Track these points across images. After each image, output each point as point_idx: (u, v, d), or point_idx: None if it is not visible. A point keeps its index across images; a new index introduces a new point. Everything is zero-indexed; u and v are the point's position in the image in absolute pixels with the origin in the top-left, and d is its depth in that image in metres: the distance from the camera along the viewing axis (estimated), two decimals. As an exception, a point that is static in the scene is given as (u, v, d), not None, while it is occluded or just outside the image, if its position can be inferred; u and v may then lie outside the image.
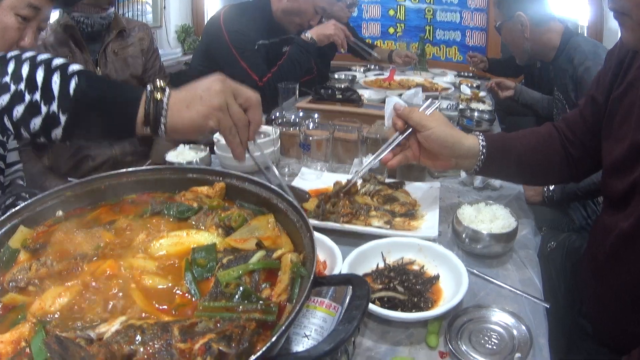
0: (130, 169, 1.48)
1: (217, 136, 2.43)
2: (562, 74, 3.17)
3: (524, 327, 1.38)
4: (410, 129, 1.77)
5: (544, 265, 2.12)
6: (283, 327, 0.88)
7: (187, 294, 1.09)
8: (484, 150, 1.80)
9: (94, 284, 1.10)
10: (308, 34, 3.63)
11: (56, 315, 1.03)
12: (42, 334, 0.96)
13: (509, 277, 1.65)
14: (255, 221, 1.28)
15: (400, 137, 1.79)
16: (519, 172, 1.93)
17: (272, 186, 1.34)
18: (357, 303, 0.97)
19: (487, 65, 4.76)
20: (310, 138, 2.27)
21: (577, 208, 2.92)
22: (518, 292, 1.56)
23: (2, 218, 1.27)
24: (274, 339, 0.85)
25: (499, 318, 1.42)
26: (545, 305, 1.52)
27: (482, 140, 1.82)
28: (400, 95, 2.89)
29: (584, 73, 2.85)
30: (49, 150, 2.97)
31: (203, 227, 1.31)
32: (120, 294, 1.08)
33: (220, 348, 0.85)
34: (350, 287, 1.08)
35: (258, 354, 0.82)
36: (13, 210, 1.30)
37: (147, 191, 1.47)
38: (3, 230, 1.25)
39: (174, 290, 1.10)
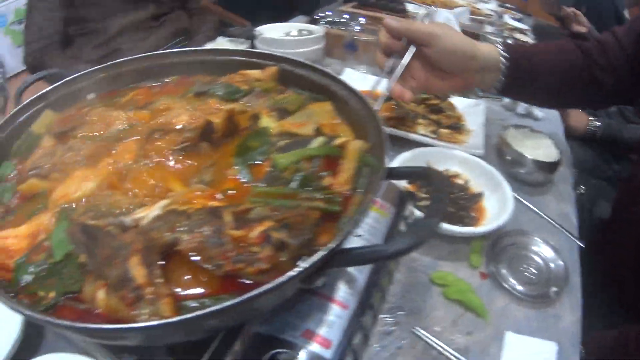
0: (172, 50, 1.38)
1: (259, 29, 2.34)
2: None
3: (561, 262, 1.35)
4: (412, 47, 1.35)
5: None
6: (355, 217, 0.81)
7: (236, 178, 0.99)
8: (504, 57, 1.42)
9: (125, 166, 1.01)
10: None
11: (82, 203, 0.93)
12: (65, 224, 0.86)
13: (548, 208, 1.59)
14: (312, 106, 1.20)
15: (407, 58, 1.34)
16: (546, 94, 1.59)
17: (330, 72, 1.24)
18: (441, 196, 0.88)
19: None
20: (361, 39, 2.22)
21: (610, 160, 2.78)
22: (557, 225, 1.51)
23: (25, 102, 1.17)
24: (346, 231, 0.77)
25: (539, 248, 1.38)
26: (581, 244, 1.48)
27: (501, 46, 1.44)
28: (447, 12, 2.78)
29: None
30: (73, 44, 2.84)
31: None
32: (157, 177, 0.98)
33: (281, 238, 0.77)
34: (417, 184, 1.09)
35: (331, 245, 0.74)
36: (38, 93, 1.20)
37: (191, 74, 1.37)
38: (25, 116, 1.15)
39: (221, 173, 1.01)
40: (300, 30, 2.46)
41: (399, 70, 1.33)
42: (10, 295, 0.77)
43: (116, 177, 0.98)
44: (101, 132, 1.13)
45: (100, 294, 0.75)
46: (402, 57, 1.35)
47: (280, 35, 2.40)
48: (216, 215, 0.82)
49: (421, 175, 1.01)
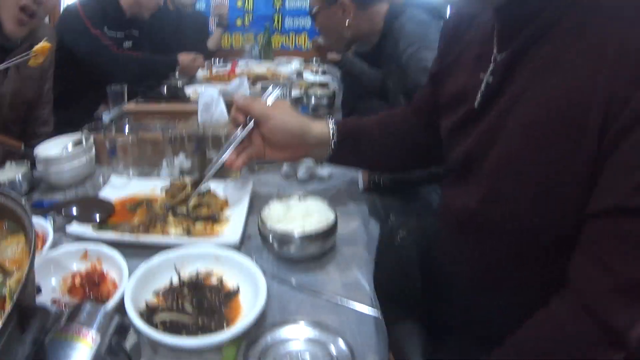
0: None
1: (37, 149, 2.09)
2: (388, 60, 2.86)
3: (343, 345, 1.16)
4: (252, 123, 1.61)
5: (394, 258, 1.92)
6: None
7: None
8: (334, 134, 1.68)
9: None
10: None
11: None
12: None
13: (331, 282, 1.44)
14: (5, 242, 1.13)
15: (243, 133, 1.62)
16: (374, 158, 1.80)
17: (9, 192, 1.12)
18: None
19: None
20: (118, 141, 2.13)
21: (434, 190, 2.68)
22: (339, 300, 1.35)
23: None
24: None
25: (312, 335, 1.20)
26: (375, 315, 1.31)
27: (333, 124, 1.70)
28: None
29: (408, 60, 2.54)
30: None
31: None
32: None
33: None
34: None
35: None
36: None
37: None
38: None
39: None
40: (75, 142, 2.23)
41: (234, 141, 1.62)
42: None
43: None
44: None
45: None
46: (244, 129, 1.61)
47: (59, 150, 2.16)
48: None
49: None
